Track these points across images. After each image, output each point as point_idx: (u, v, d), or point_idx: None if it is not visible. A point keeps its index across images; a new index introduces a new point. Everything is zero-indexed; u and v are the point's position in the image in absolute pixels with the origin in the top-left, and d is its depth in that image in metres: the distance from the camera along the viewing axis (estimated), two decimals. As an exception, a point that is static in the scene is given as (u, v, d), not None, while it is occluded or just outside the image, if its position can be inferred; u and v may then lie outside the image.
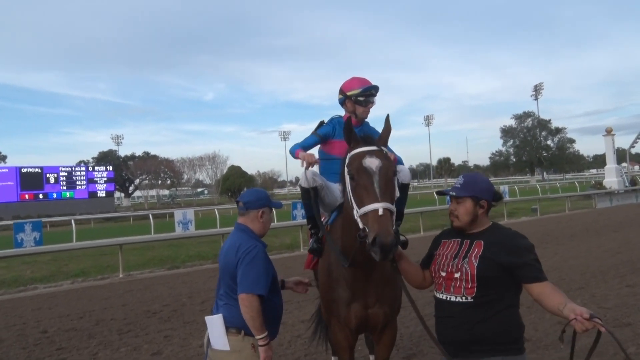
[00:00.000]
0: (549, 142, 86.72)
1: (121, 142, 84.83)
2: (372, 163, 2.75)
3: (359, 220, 2.64)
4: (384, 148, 2.93)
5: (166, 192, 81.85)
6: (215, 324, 3.06)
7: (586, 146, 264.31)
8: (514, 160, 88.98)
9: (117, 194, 72.87)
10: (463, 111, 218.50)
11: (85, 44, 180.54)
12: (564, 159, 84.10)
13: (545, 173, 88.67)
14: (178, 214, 18.12)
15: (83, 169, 49.90)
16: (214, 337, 3.06)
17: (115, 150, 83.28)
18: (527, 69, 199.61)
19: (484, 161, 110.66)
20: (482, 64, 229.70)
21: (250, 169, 77.53)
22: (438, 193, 3.05)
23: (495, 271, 2.48)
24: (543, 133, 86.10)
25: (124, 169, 73.94)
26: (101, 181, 48.51)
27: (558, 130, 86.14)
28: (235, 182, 70.31)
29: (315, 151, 3.84)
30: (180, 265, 13.50)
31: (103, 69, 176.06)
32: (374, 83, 3.69)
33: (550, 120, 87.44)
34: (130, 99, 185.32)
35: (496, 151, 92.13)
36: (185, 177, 79.64)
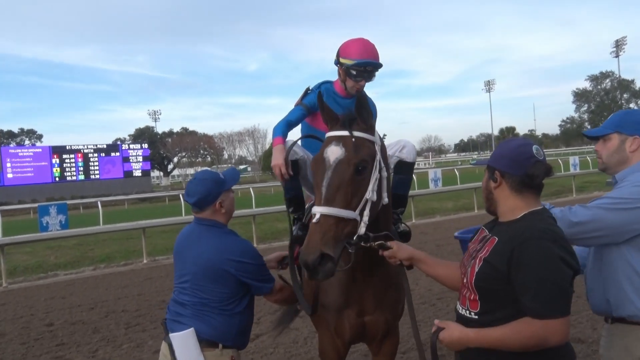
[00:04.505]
0: (631, 105, 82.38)
1: (158, 118, 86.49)
2: (332, 154, 2.37)
3: None
4: (358, 133, 2.44)
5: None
6: (186, 342, 2.72)
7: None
8: (589, 127, 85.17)
9: (155, 173, 74.78)
10: (530, 75, 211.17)
11: (122, 16, 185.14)
12: (650, 124, 79.53)
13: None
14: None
15: (117, 147, 51.33)
16: (184, 358, 2.71)
17: (152, 127, 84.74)
18: (606, 22, 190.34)
19: (554, 129, 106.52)
20: (554, 20, 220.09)
21: (297, 143, 77.50)
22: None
23: (496, 283, 1.93)
24: (625, 95, 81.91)
25: (161, 146, 75.28)
26: (136, 160, 49.78)
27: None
28: (278, 158, 70.50)
29: (297, 129, 3.45)
30: (208, 250, 13.51)
31: (141, 42, 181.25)
32: (379, 60, 3.16)
33: (633, 80, 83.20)
34: (169, 72, 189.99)
35: (567, 118, 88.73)
36: (226, 153, 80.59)
